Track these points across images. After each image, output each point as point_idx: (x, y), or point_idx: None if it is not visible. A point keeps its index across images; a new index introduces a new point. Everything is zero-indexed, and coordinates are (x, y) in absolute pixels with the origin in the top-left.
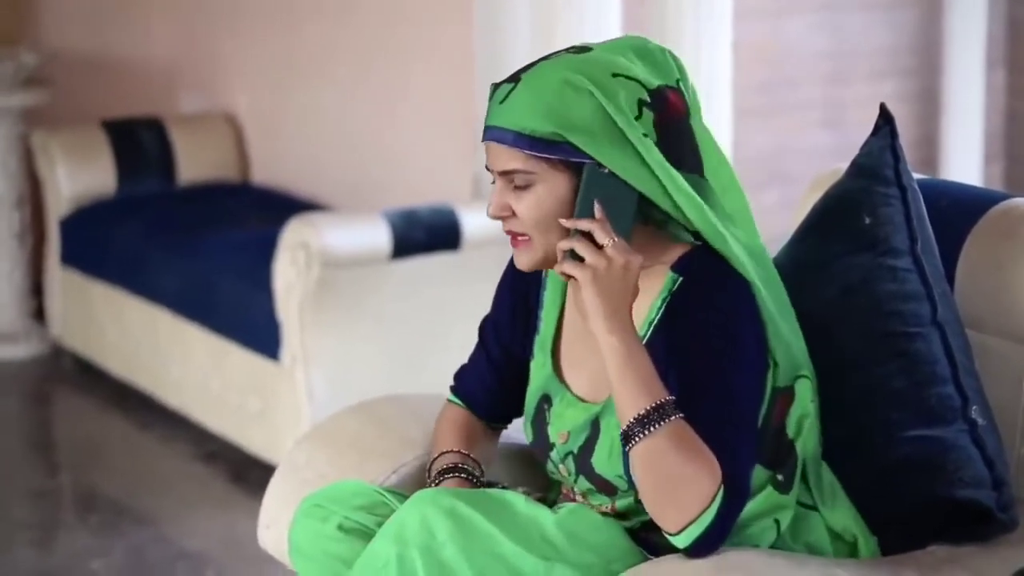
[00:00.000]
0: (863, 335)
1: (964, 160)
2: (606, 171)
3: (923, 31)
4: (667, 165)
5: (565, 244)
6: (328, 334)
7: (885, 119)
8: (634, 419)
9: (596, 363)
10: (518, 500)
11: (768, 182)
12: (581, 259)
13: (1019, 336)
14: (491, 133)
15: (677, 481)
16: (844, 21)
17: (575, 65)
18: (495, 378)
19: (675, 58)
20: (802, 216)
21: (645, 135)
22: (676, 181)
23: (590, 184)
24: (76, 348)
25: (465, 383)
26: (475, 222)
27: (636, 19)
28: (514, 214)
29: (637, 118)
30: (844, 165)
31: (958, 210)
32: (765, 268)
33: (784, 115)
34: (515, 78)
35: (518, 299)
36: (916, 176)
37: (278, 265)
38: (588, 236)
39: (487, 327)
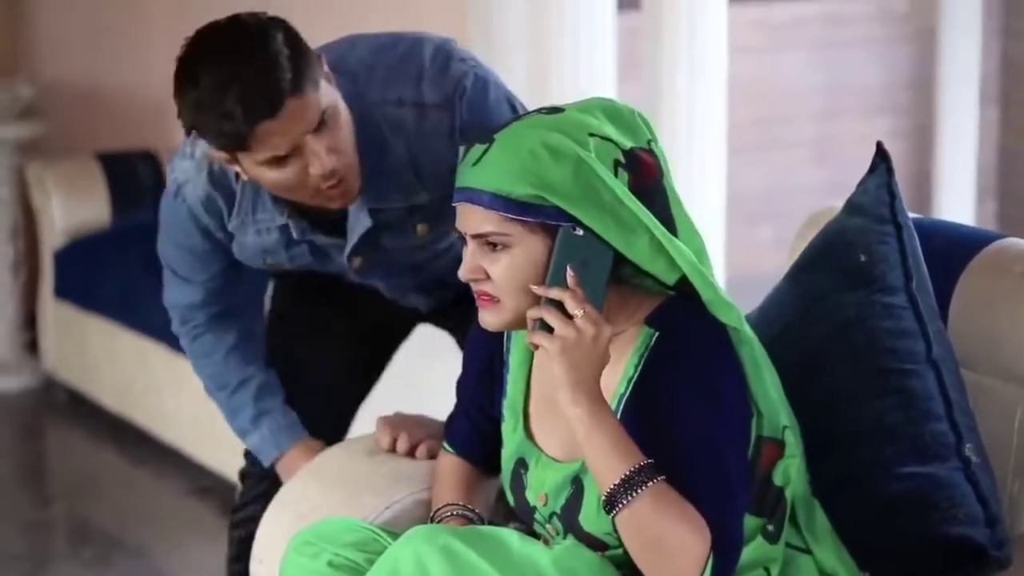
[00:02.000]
0: (858, 372)
1: (957, 197)
2: (580, 234)
3: (917, 68)
4: (654, 218)
5: (535, 313)
6: None
7: (882, 157)
8: (613, 487)
9: (568, 423)
10: (512, 537)
11: (761, 218)
12: (551, 328)
13: (1012, 375)
14: (464, 194)
15: (666, 546)
16: (838, 58)
17: (551, 125)
18: (480, 433)
19: (644, 119)
20: (796, 253)
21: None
22: (666, 233)
23: (564, 248)
24: (69, 381)
25: (455, 433)
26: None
27: (630, 54)
28: (487, 277)
29: (611, 179)
30: (839, 203)
31: (952, 249)
32: (739, 317)
33: (778, 151)
34: (488, 139)
35: (484, 364)
36: (911, 215)
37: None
38: (559, 305)
39: (462, 388)
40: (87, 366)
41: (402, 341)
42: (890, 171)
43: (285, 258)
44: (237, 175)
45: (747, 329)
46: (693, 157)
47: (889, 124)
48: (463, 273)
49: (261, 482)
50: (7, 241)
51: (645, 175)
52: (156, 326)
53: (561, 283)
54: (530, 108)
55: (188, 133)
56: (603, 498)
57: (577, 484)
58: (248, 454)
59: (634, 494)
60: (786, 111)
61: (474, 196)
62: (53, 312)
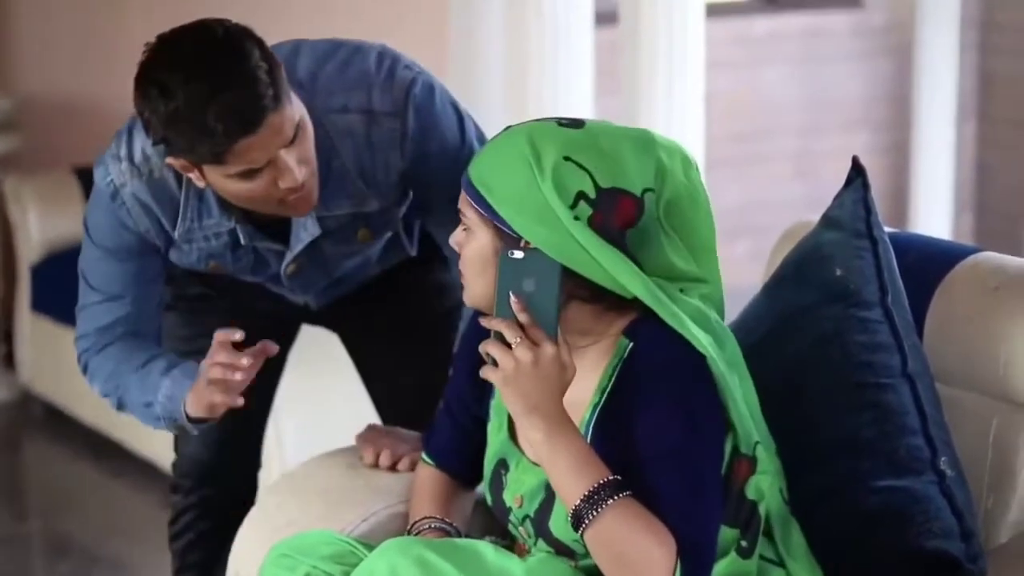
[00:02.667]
0: (834, 386)
1: (935, 211)
2: (519, 257)
3: (895, 84)
4: (600, 240)
5: (482, 348)
6: (299, 382)
7: (857, 171)
8: (577, 504)
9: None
10: (487, 549)
11: (739, 233)
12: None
13: (987, 389)
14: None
15: (632, 560)
16: (817, 73)
17: (537, 135)
18: (464, 439)
19: (663, 169)
20: (773, 268)
21: (576, 219)
22: (613, 256)
23: (506, 273)
24: (46, 395)
25: (435, 444)
26: None
27: (608, 68)
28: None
29: (571, 207)
30: (815, 217)
31: (927, 264)
32: (722, 329)
33: (756, 166)
34: (508, 128)
35: (473, 364)
36: (887, 229)
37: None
38: (498, 338)
39: (450, 392)
40: (64, 380)
41: (293, 340)
42: (866, 185)
43: (229, 260)
44: (180, 178)
45: (712, 353)
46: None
47: (867, 139)
48: (450, 240)
49: (190, 493)
50: None
51: (615, 218)
52: None
53: (506, 308)
54: (506, 124)
55: (155, 144)
56: (569, 517)
57: (550, 490)
58: (175, 467)
59: (597, 511)
60: (764, 125)
61: (463, 177)
62: (30, 326)
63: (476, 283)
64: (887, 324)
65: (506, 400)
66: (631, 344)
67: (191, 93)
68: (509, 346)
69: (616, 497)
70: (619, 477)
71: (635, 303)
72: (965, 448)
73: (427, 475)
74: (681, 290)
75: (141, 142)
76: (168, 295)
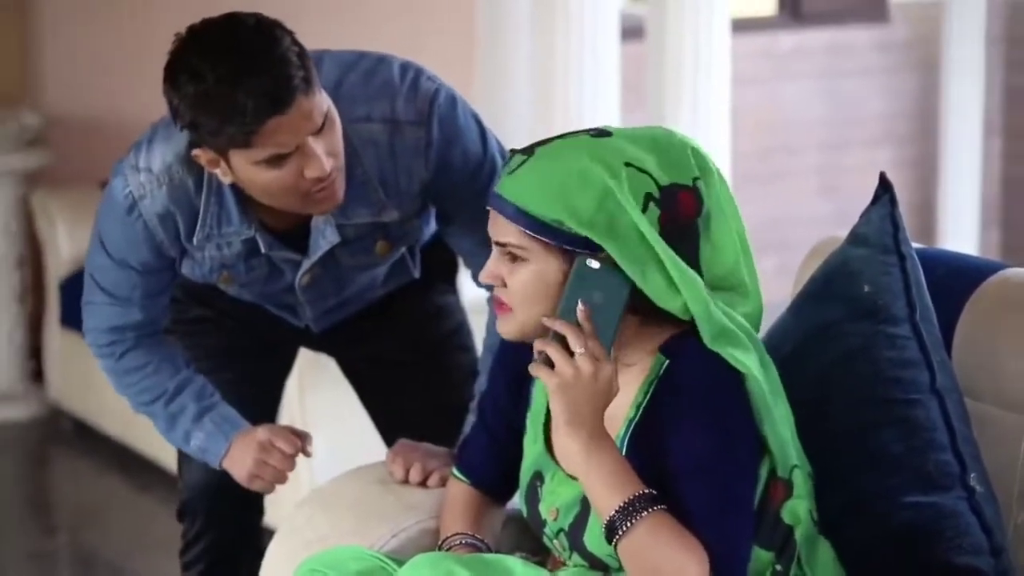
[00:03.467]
0: (862, 401)
1: (961, 227)
2: (596, 267)
3: (921, 99)
4: (676, 257)
5: (540, 345)
6: (328, 397)
7: (884, 188)
8: (611, 516)
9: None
10: (516, 565)
11: (765, 249)
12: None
13: (1016, 405)
14: (494, 202)
15: (665, 572)
16: (842, 88)
17: (589, 150)
18: (497, 453)
19: (698, 155)
20: (800, 284)
21: (649, 223)
22: (685, 274)
23: (578, 280)
24: (75, 410)
25: (468, 459)
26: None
27: (634, 83)
28: (504, 284)
29: (643, 212)
30: (842, 233)
31: (955, 280)
32: (760, 352)
33: (782, 182)
34: (530, 151)
35: (512, 375)
36: (914, 245)
37: None
38: (564, 338)
39: (486, 403)
40: (92, 395)
41: (292, 364)
42: (893, 201)
43: (243, 271)
44: (200, 186)
45: (755, 371)
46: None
47: (892, 153)
48: (482, 277)
49: (197, 519)
50: (13, 270)
51: (680, 212)
52: None
53: (571, 315)
54: (533, 138)
55: (182, 129)
56: (603, 528)
57: (585, 504)
58: (182, 492)
59: (631, 523)
60: (790, 141)
61: (501, 206)
62: (59, 341)
63: (530, 311)
64: (915, 340)
65: (554, 405)
66: (667, 361)
67: (221, 73)
68: (567, 352)
69: (650, 510)
70: (654, 491)
71: (679, 321)
72: (994, 464)
73: (459, 491)
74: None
75: (161, 150)
76: (167, 319)
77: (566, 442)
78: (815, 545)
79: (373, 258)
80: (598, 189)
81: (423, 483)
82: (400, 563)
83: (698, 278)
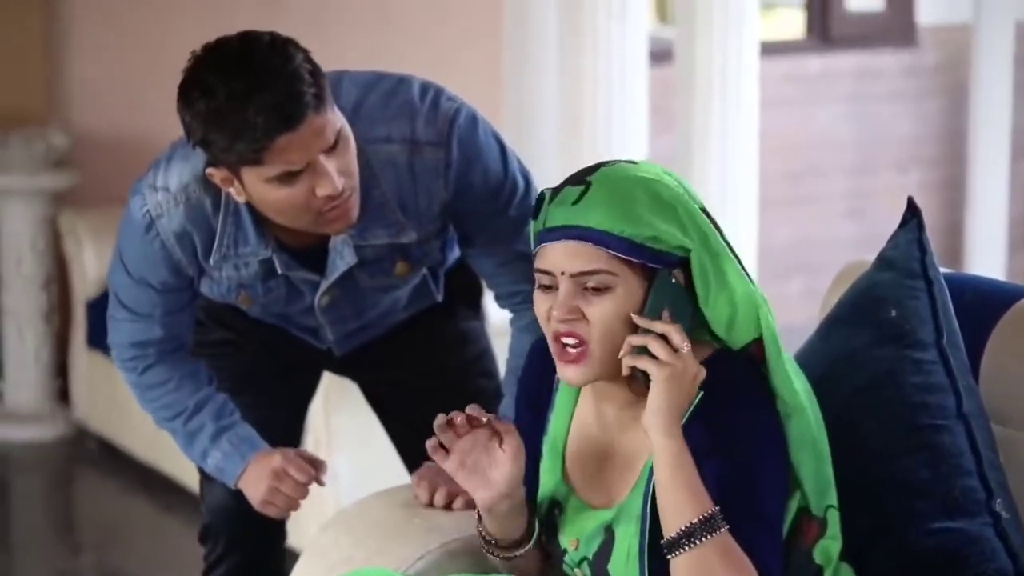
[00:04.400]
0: (889, 426)
1: (989, 250)
2: (674, 280)
3: (948, 121)
4: (742, 270)
5: (638, 340)
6: (353, 418)
7: (912, 212)
8: (682, 530)
9: (607, 470)
10: None
11: (792, 272)
12: (651, 358)
13: None
14: (568, 232)
15: None
16: (870, 111)
17: (642, 172)
18: (530, 492)
19: (690, 189)
20: (828, 308)
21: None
22: (758, 294)
23: (660, 290)
24: (101, 430)
25: None
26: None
27: (662, 106)
28: (583, 317)
29: (709, 224)
30: (870, 256)
31: (983, 304)
32: (806, 385)
33: (810, 205)
34: (581, 181)
35: (532, 400)
36: (942, 270)
37: None
38: (660, 339)
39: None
40: (118, 415)
41: (315, 388)
42: (921, 226)
43: (260, 291)
44: (218, 206)
45: (802, 402)
46: (725, 209)
47: (919, 177)
48: (561, 313)
49: (219, 542)
50: (40, 290)
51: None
52: None
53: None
54: (562, 161)
55: (195, 146)
56: (666, 539)
57: (609, 532)
58: (204, 515)
59: (700, 540)
60: (818, 164)
61: (584, 233)
62: (85, 361)
63: (610, 345)
64: (942, 365)
65: (657, 397)
66: (701, 394)
67: (233, 89)
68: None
69: (723, 530)
70: (719, 509)
71: (710, 341)
72: (1021, 489)
73: None
74: None
75: (178, 169)
76: (190, 341)
77: (663, 440)
78: (839, 573)
79: (393, 279)
80: (679, 206)
81: (448, 506)
82: None
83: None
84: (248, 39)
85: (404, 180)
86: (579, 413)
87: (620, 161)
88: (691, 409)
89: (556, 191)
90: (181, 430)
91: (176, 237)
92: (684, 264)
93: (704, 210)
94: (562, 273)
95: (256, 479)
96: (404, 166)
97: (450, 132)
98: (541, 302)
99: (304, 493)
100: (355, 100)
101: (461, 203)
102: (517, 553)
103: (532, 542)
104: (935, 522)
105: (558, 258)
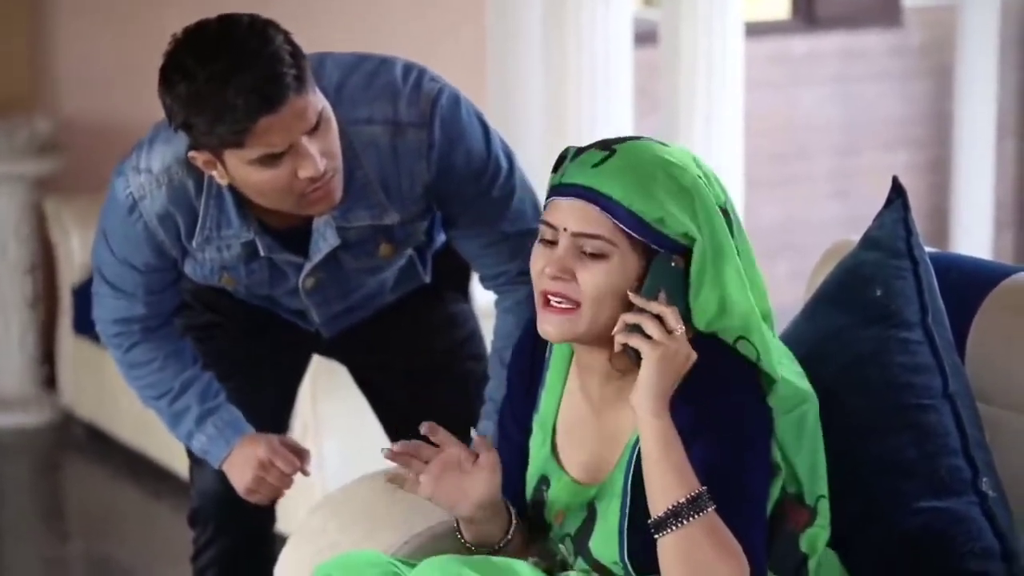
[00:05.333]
0: (875, 406)
1: (975, 229)
2: (673, 264)
3: (934, 102)
4: (743, 275)
5: (632, 318)
6: (340, 402)
7: (897, 192)
8: (669, 509)
9: (594, 447)
10: (524, 569)
11: (779, 252)
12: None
13: None
14: (580, 191)
15: (711, 572)
16: (856, 92)
17: (671, 154)
18: (519, 454)
19: (719, 182)
20: (814, 288)
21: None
22: (748, 298)
23: (659, 272)
24: (87, 416)
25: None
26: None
27: (647, 88)
28: (574, 279)
29: (721, 216)
30: (855, 237)
31: (968, 283)
32: (802, 375)
33: (795, 186)
34: (607, 148)
35: (523, 378)
36: (927, 249)
37: None
38: (655, 319)
39: (505, 413)
40: (105, 401)
41: (304, 370)
42: (906, 206)
43: (243, 273)
44: (201, 188)
45: (804, 385)
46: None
47: (906, 157)
48: (551, 270)
49: (208, 525)
50: (25, 276)
51: (731, 230)
52: None
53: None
54: (547, 144)
55: (177, 130)
56: (654, 518)
57: (591, 509)
58: (194, 499)
59: (688, 520)
60: (804, 145)
61: (596, 197)
62: (71, 347)
63: (600, 310)
64: (928, 345)
65: (647, 376)
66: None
67: (213, 72)
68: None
69: (710, 509)
70: (707, 489)
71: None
72: (1007, 468)
73: None
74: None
75: (161, 151)
76: (178, 325)
77: (651, 420)
78: (822, 566)
79: (377, 261)
80: (695, 196)
81: None
82: (414, 568)
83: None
84: (227, 21)
85: (386, 161)
86: (569, 390)
87: (653, 140)
88: (676, 391)
89: (581, 151)
90: (167, 410)
91: (159, 219)
92: (686, 252)
93: (725, 209)
94: (564, 229)
95: (241, 465)
96: (386, 147)
97: (432, 113)
98: (538, 257)
99: (289, 483)
100: (337, 81)
101: (444, 184)
102: (497, 548)
103: (509, 535)
104: (921, 501)
105: (565, 214)
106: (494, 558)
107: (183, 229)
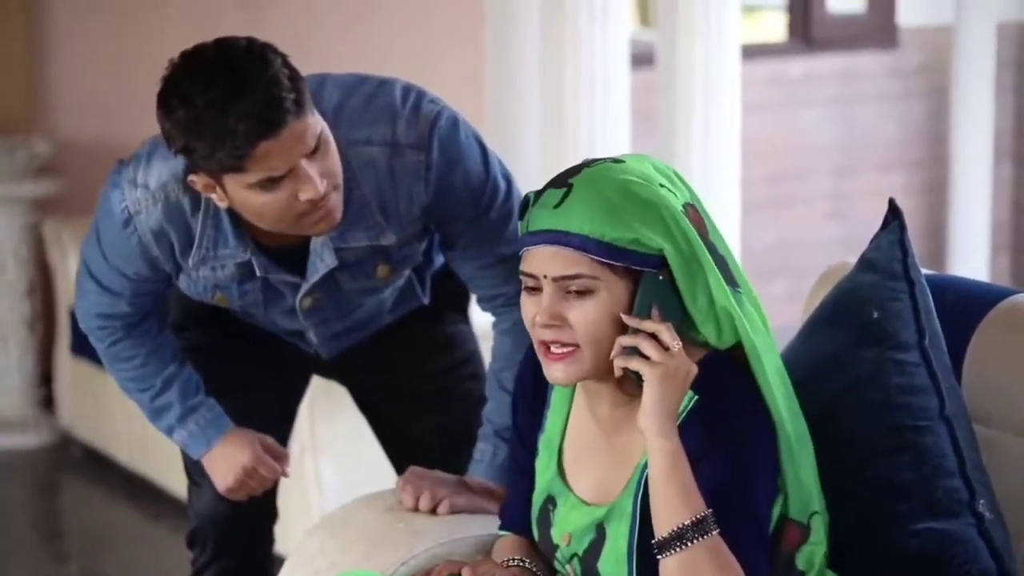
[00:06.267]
0: (871, 428)
1: (971, 251)
2: (661, 279)
3: (931, 124)
4: (720, 277)
5: (628, 340)
6: (338, 423)
7: (894, 214)
8: (673, 531)
9: (601, 468)
10: None
11: (776, 273)
12: (642, 358)
13: None
14: (548, 237)
15: None
16: (853, 114)
17: (624, 172)
18: (530, 479)
19: (681, 178)
20: (810, 309)
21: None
22: (727, 295)
23: (647, 290)
24: (85, 437)
25: (509, 514)
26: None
27: (644, 110)
28: (566, 323)
29: (688, 226)
30: (852, 259)
31: (965, 305)
32: (788, 393)
33: (792, 207)
34: (564, 184)
35: (529, 398)
36: (923, 271)
37: None
38: (650, 338)
39: (512, 440)
40: (103, 422)
41: (303, 391)
42: (902, 227)
43: (236, 294)
44: (197, 207)
45: (784, 417)
46: (708, 212)
47: (902, 179)
48: (543, 319)
49: (207, 547)
50: (24, 298)
51: (700, 227)
52: None
53: (646, 319)
54: (545, 166)
55: (176, 154)
56: (657, 539)
57: (600, 530)
58: (192, 520)
59: (692, 543)
60: (800, 166)
61: (564, 238)
62: (69, 369)
63: (600, 346)
64: (924, 366)
65: (651, 398)
66: (696, 398)
67: (212, 97)
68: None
69: (714, 532)
70: (712, 511)
71: (703, 344)
72: (1004, 490)
73: (507, 542)
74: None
75: (158, 168)
76: (177, 345)
77: (659, 441)
78: None
79: (374, 282)
80: (659, 206)
81: (433, 511)
82: None
83: (735, 304)
84: (225, 45)
85: (384, 182)
86: (575, 410)
87: (606, 160)
88: (685, 412)
89: (539, 193)
90: (148, 405)
91: (153, 235)
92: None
93: (694, 205)
94: (545, 276)
95: (224, 466)
96: (384, 168)
97: (431, 135)
98: (528, 305)
99: (270, 486)
100: (337, 102)
101: (442, 205)
102: None
103: None
104: (918, 523)
105: (540, 262)
106: None
107: (178, 247)
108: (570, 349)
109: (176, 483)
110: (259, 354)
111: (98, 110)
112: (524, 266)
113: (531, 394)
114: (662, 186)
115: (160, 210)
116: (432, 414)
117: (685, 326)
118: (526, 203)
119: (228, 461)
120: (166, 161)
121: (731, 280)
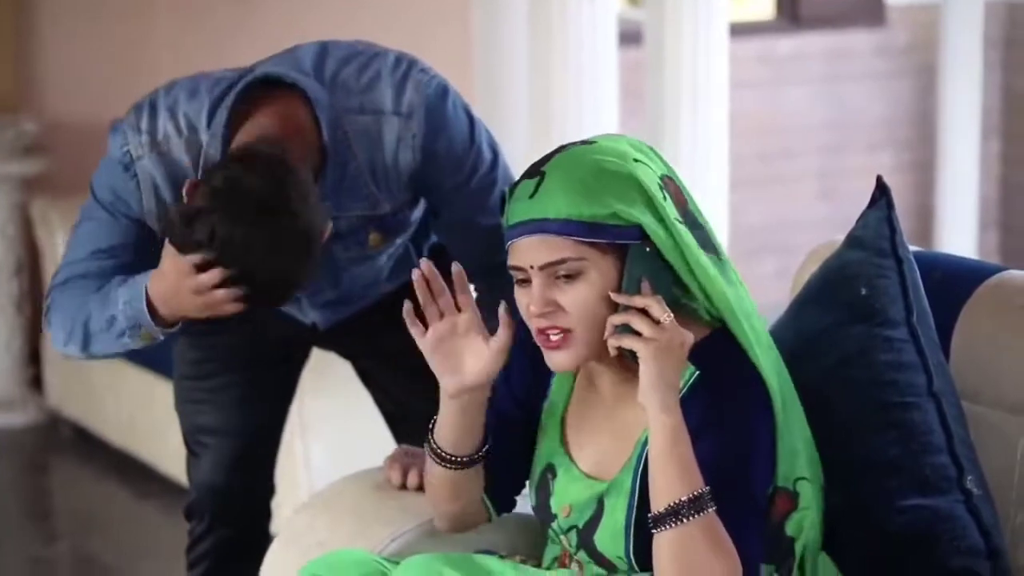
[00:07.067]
0: (859, 405)
1: (960, 229)
2: (648, 250)
3: (919, 102)
4: (695, 246)
5: (619, 319)
6: (327, 402)
7: (881, 191)
8: (669, 506)
9: (604, 441)
10: (506, 568)
11: (764, 252)
12: (634, 335)
13: (1013, 406)
14: (528, 227)
15: (704, 572)
16: (841, 93)
17: (596, 152)
18: (522, 470)
19: (658, 153)
20: (799, 287)
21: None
22: (701, 262)
23: (635, 263)
24: (74, 416)
25: (499, 493)
26: None
27: (632, 88)
28: (560, 308)
29: (664, 200)
30: (840, 237)
31: (953, 282)
32: (776, 360)
33: (781, 185)
34: (536, 173)
35: (533, 364)
36: (911, 248)
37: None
38: (641, 313)
39: (498, 380)
40: (92, 402)
41: (303, 363)
42: (890, 205)
43: None
44: (196, 168)
45: (773, 383)
46: (695, 191)
47: (891, 157)
48: (536, 308)
49: (204, 518)
50: (11, 278)
51: (678, 201)
52: (161, 361)
53: (636, 294)
54: (533, 145)
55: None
56: (653, 513)
57: (600, 504)
58: (191, 492)
59: (687, 519)
60: (789, 145)
61: (543, 225)
62: None
63: (593, 330)
64: (912, 343)
65: (648, 374)
66: (696, 373)
67: (234, 248)
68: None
69: (710, 509)
70: (710, 489)
71: (709, 321)
72: (992, 466)
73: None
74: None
75: (164, 121)
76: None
77: (660, 416)
78: (817, 560)
79: (367, 250)
80: (632, 179)
81: (420, 488)
82: None
83: (715, 271)
84: (265, 192)
85: (376, 151)
86: (580, 381)
87: (576, 144)
88: (686, 387)
89: (515, 186)
90: (95, 300)
91: (152, 185)
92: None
93: (671, 177)
94: (532, 267)
95: (170, 266)
96: (376, 136)
97: (419, 102)
98: (521, 298)
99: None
100: (333, 71)
101: (427, 172)
102: (462, 462)
103: (480, 454)
104: (906, 500)
105: (525, 253)
106: (476, 556)
107: (172, 202)
108: (565, 335)
109: (166, 463)
110: (258, 327)
111: (87, 89)
112: (510, 260)
113: (530, 356)
114: (636, 160)
115: (160, 160)
116: (429, 384)
117: (679, 293)
118: (503, 199)
119: (173, 285)
120: (172, 118)
121: (712, 249)
